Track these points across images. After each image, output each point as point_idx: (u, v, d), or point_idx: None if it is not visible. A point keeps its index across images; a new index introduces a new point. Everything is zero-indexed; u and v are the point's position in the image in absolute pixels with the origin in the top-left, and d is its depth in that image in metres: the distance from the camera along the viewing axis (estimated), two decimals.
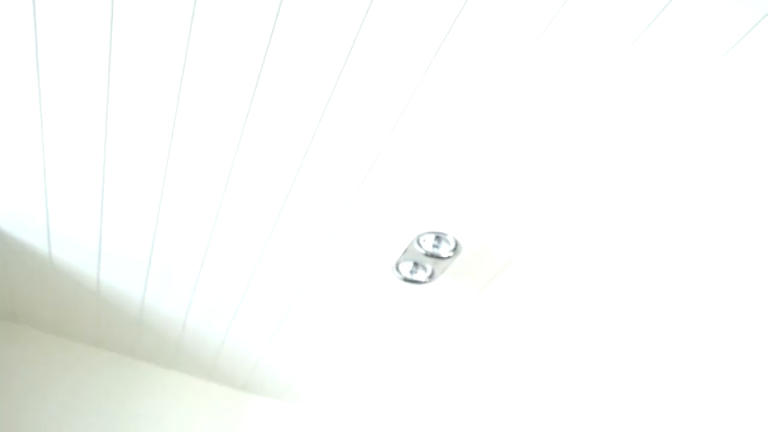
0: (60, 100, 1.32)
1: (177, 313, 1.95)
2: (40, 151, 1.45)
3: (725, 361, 1.26)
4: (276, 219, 1.55)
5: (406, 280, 1.59)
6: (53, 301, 1.98)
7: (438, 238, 1.49)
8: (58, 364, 2.15)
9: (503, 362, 1.96)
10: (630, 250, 1.51)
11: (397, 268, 1.58)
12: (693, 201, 1.32)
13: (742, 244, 1.20)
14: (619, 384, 1.89)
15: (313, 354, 2.06)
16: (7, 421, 2.01)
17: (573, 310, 1.71)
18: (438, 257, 1.50)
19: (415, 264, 1.57)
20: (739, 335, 1.22)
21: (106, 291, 1.90)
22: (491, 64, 1.15)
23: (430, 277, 1.57)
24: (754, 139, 1.23)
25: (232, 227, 1.59)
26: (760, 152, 1.25)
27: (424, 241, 1.50)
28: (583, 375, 1.98)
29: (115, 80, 1.26)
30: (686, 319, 1.39)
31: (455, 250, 1.48)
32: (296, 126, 1.30)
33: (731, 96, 1.16)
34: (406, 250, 1.52)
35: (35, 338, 2.16)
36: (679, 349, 1.49)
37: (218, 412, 2.29)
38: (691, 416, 1.37)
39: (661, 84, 1.15)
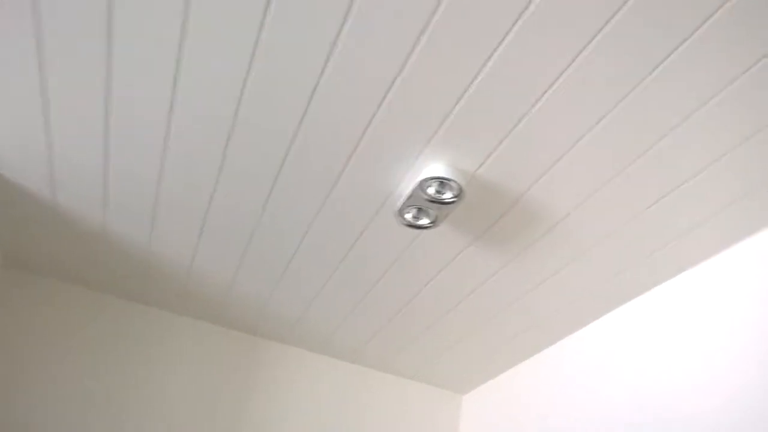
0: (60, 32, 1.29)
1: (183, 257, 1.97)
2: (38, 89, 1.43)
3: None
4: (281, 164, 1.53)
5: (409, 225, 1.59)
6: (57, 246, 2.00)
7: (442, 183, 1.47)
8: (64, 310, 2.19)
9: (506, 305, 1.98)
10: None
11: (401, 214, 1.57)
12: None
13: None
14: (611, 328, 1.90)
15: (319, 297, 2.08)
16: (12, 366, 2.05)
17: (572, 254, 1.71)
18: (442, 203, 1.49)
19: (419, 209, 1.56)
20: None
21: (111, 234, 1.91)
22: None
23: (434, 222, 1.56)
24: None
25: (237, 173, 1.58)
26: None
27: (429, 186, 1.48)
28: (584, 317, 2.00)
29: (119, 7, 1.23)
30: None
31: (459, 195, 1.47)
32: (303, 68, 1.27)
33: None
34: (410, 196, 1.50)
35: (41, 284, 2.19)
36: None
37: (229, 357, 2.34)
38: None
39: None
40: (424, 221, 1.58)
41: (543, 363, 2.19)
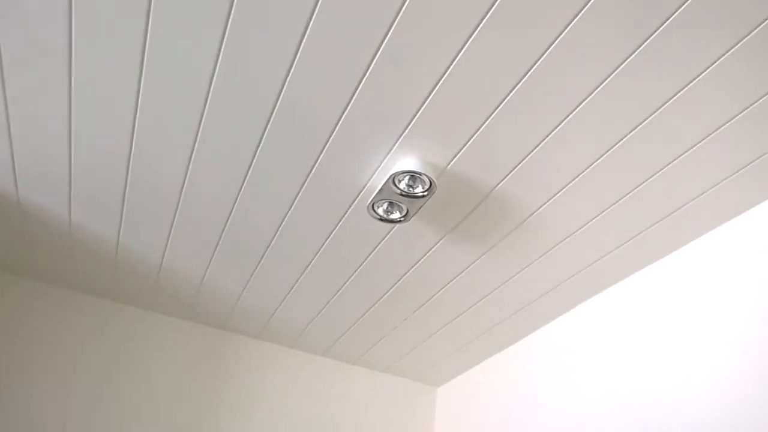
0: (18, 29, 1.26)
1: (154, 252, 1.94)
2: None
3: None
4: (253, 157, 1.52)
5: (381, 219, 1.58)
6: (24, 244, 1.96)
7: (413, 177, 1.47)
8: (34, 309, 2.15)
9: (479, 298, 1.99)
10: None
11: (373, 208, 1.56)
12: None
13: None
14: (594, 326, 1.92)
15: (292, 292, 2.06)
16: None
17: (545, 246, 1.72)
18: (413, 197, 1.48)
19: (391, 203, 1.55)
20: None
21: (79, 231, 1.87)
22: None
23: (405, 216, 1.56)
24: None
25: (207, 167, 1.56)
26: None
27: (400, 180, 1.47)
28: (557, 309, 2.01)
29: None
30: None
31: (430, 189, 1.46)
32: (272, 63, 1.26)
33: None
34: (381, 190, 1.49)
35: (8, 283, 2.14)
36: None
37: (201, 352, 2.31)
38: None
39: None
40: (396, 215, 1.57)
41: (516, 355, 2.20)
